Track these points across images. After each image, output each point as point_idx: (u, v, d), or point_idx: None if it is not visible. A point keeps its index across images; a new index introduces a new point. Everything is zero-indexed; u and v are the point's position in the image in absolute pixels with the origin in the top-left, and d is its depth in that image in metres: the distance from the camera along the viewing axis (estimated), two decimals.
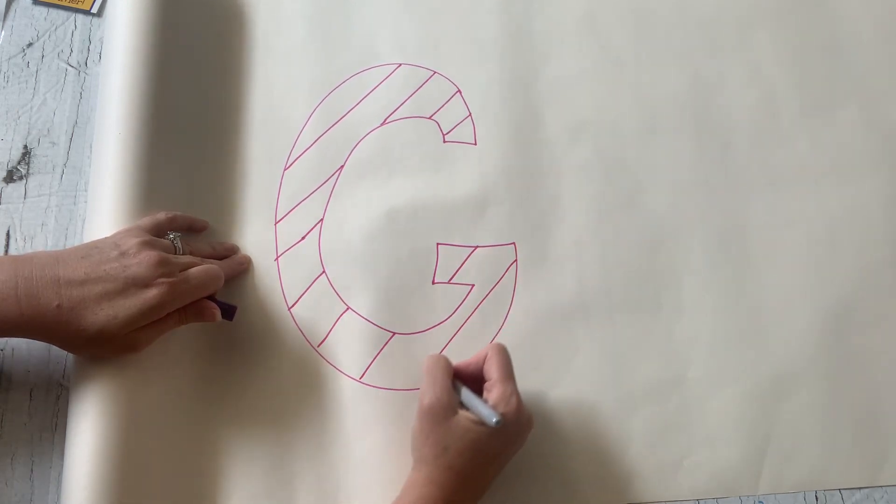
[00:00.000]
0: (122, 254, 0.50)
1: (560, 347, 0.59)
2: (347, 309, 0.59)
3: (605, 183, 0.63)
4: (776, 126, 0.65)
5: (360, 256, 0.61)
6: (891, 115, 0.65)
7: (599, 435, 0.57)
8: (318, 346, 0.58)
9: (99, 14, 0.68)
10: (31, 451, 0.55)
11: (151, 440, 0.52)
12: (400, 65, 0.67)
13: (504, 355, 0.53)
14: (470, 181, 0.63)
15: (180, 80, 0.62)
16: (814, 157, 0.64)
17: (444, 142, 0.64)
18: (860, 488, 0.57)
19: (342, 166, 0.63)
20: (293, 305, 0.59)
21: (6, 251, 0.60)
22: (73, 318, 0.48)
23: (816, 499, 0.56)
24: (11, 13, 0.68)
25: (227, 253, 0.60)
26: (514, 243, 0.62)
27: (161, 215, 0.56)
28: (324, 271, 0.60)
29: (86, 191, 0.62)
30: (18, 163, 0.63)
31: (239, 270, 0.60)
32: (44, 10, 0.68)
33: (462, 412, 0.51)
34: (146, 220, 0.55)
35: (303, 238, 0.61)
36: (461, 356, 0.58)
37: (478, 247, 0.61)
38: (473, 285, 0.60)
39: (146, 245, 0.51)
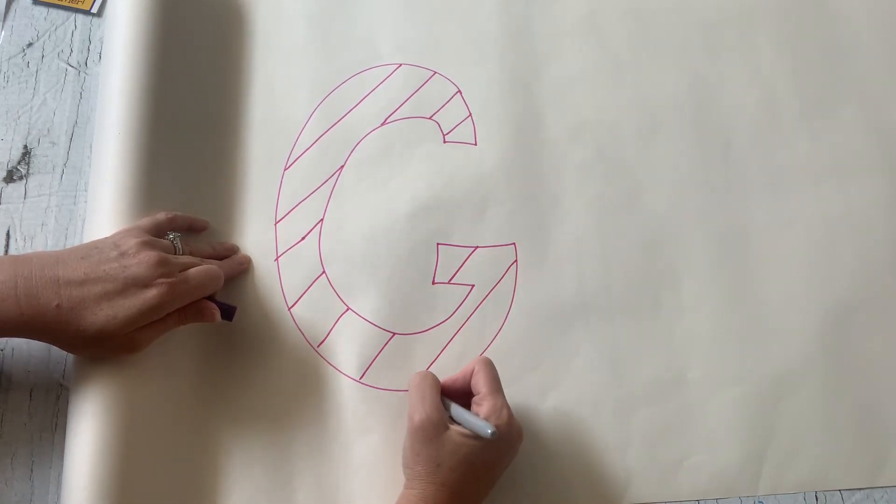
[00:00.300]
0: (122, 254, 0.50)
1: (560, 348, 0.59)
2: (347, 309, 0.59)
3: (605, 183, 0.63)
4: (776, 126, 0.65)
5: (360, 257, 0.61)
6: (891, 115, 0.65)
7: (599, 435, 0.57)
8: (318, 346, 0.58)
9: (99, 14, 0.68)
10: (31, 451, 0.55)
11: (151, 440, 0.52)
12: (400, 65, 0.66)
13: (491, 368, 0.54)
14: (470, 181, 0.63)
15: (180, 80, 0.62)
16: (814, 157, 0.64)
17: (445, 142, 0.64)
18: (860, 489, 0.57)
19: (342, 166, 0.63)
20: (293, 305, 0.59)
21: (6, 251, 0.60)
22: (72, 318, 0.48)
23: (816, 499, 0.57)
24: (11, 13, 0.68)
25: (227, 253, 0.60)
26: (514, 244, 0.62)
27: (161, 215, 0.56)
28: (324, 272, 0.60)
29: (86, 191, 0.62)
30: (18, 163, 0.63)
31: (239, 270, 0.60)
32: (44, 10, 0.68)
33: (453, 427, 0.51)
34: (146, 221, 0.55)
35: (303, 238, 0.61)
36: (461, 357, 0.58)
37: (478, 247, 0.61)
38: (474, 285, 0.60)
39: (146, 245, 0.51)
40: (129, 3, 0.61)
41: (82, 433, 0.50)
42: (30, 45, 0.67)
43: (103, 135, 0.59)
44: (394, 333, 0.59)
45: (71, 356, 0.56)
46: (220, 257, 0.58)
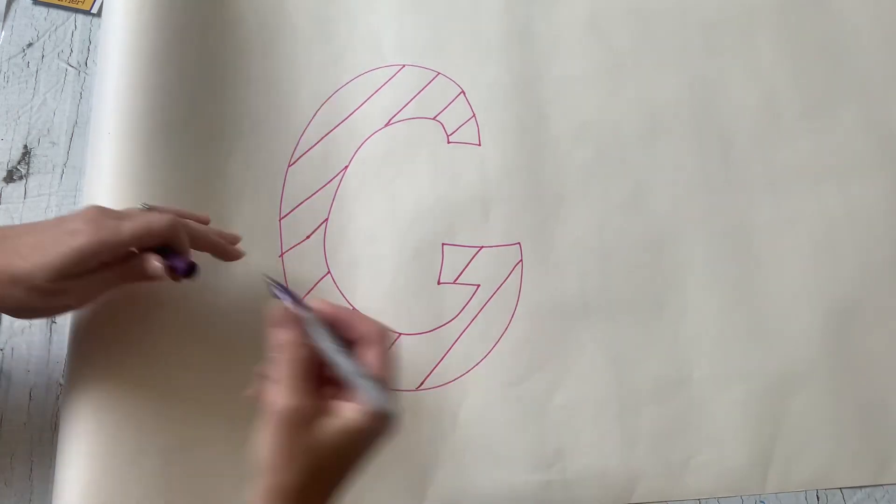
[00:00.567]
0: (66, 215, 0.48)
1: (565, 347, 0.59)
2: (352, 309, 0.59)
3: (608, 183, 0.64)
4: (777, 126, 0.65)
5: (365, 257, 0.60)
6: (891, 115, 0.65)
7: (605, 435, 0.57)
8: None
9: (99, 14, 0.68)
10: (31, 451, 0.55)
11: (147, 441, 0.52)
12: (404, 66, 0.67)
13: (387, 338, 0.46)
14: (474, 182, 0.63)
15: (180, 78, 0.61)
16: (815, 157, 0.64)
17: (449, 143, 0.64)
18: (861, 487, 0.57)
19: (346, 166, 0.63)
20: None
21: None
22: (5, 267, 0.45)
23: (818, 498, 0.57)
24: (11, 13, 0.68)
25: (229, 240, 0.55)
26: (518, 243, 0.61)
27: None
28: (329, 272, 0.60)
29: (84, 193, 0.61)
30: (18, 163, 0.63)
31: (215, 244, 0.53)
32: (44, 10, 0.68)
33: (325, 420, 0.42)
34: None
35: (307, 237, 0.61)
36: (467, 357, 0.58)
37: (483, 247, 0.61)
38: (479, 285, 0.60)
39: (93, 206, 0.48)
40: (129, 2, 0.61)
41: (75, 434, 0.50)
42: (30, 45, 0.67)
43: (100, 132, 0.58)
44: (399, 334, 0.58)
45: (70, 357, 0.55)
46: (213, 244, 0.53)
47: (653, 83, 0.66)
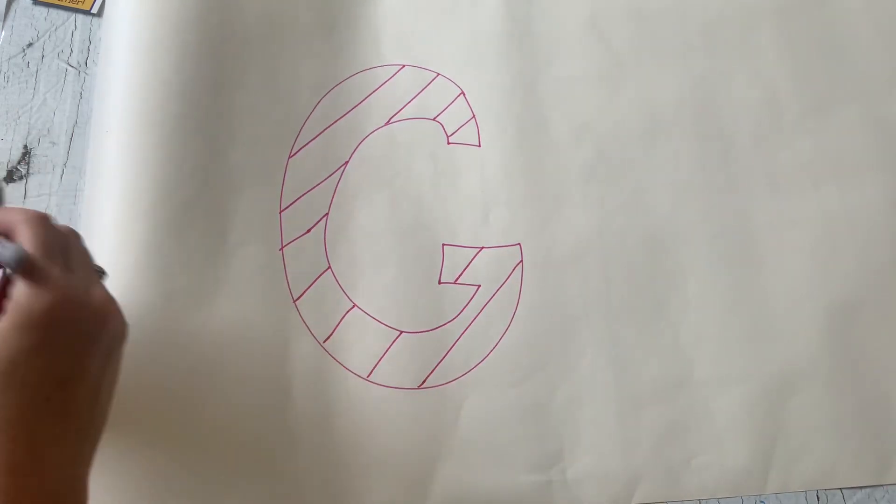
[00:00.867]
0: None
1: (566, 347, 0.59)
2: (354, 306, 0.59)
3: (608, 184, 0.63)
4: (778, 126, 0.65)
5: (365, 255, 0.60)
6: (892, 115, 0.65)
7: (605, 435, 0.57)
8: (324, 341, 0.58)
9: (99, 14, 0.68)
10: None
11: (147, 438, 0.52)
12: (403, 66, 0.67)
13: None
14: (474, 182, 0.63)
15: (179, 66, 0.61)
16: (816, 157, 0.64)
17: (449, 143, 0.64)
18: (861, 487, 0.57)
19: (347, 162, 0.63)
20: (298, 298, 0.59)
21: None
22: None
23: (818, 498, 0.56)
24: (11, 13, 0.68)
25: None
26: (519, 244, 0.61)
27: None
28: (329, 267, 0.60)
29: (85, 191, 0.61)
30: (18, 163, 0.63)
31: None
32: (44, 10, 0.68)
33: None
34: None
35: (308, 231, 0.61)
36: (469, 357, 0.58)
37: (483, 248, 0.61)
38: (479, 286, 0.60)
39: None
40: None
41: None
42: (30, 45, 0.67)
43: (101, 132, 0.58)
44: (401, 332, 0.58)
45: None
46: None
47: (653, 83, 0.66)
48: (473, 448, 0.56)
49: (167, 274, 0.56)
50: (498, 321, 0.59)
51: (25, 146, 0.63)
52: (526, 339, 0.59)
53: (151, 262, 0.56)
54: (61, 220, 0.60)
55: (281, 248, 0.60)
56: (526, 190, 0.63)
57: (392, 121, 0.64)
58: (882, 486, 0.57)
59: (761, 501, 0.56)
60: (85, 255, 0.43)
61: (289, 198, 0.62)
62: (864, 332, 0.60)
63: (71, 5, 0.68)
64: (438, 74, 0.66)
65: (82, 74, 0.66)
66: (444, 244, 0.61)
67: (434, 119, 0.65)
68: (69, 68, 0.66)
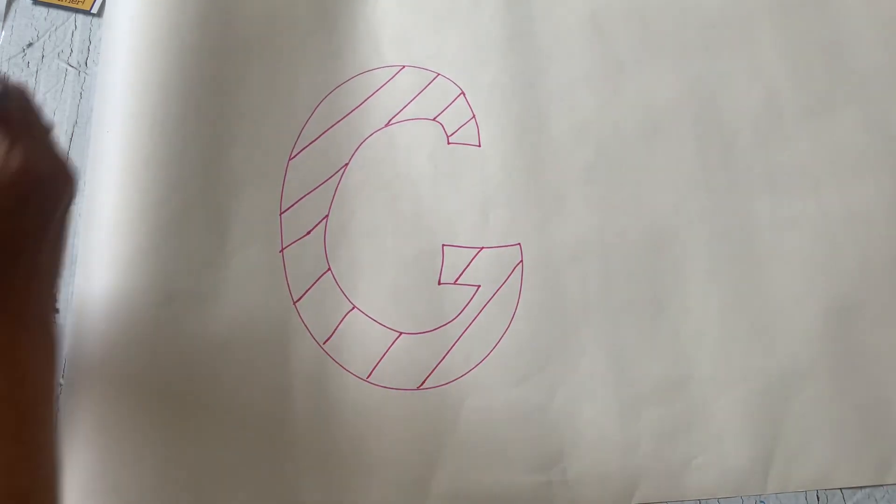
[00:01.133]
0: None
1: (566, 348, 0.59)
2: (353, 308, 0.59)
3: (608, 183, 0.63)
4: (778, 126, 0.65)
5: (365, 256, 0.60)
6: (892, 115, 0.65)
7: (606, 435, 0.57)
8: (324, 343, 0.58)
9: (99, 14, 0.68)
10: None
11: (146, 439, 0.52)
12: (403, 66, 0.67)
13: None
14: (474, 182, 0.63)
15: (180, 68, 0.61)
16: (815, 157, 0.64)
17: (449, 143, 0.64)
18: (861, 487, 0.57)
19: (347, 164, 0.63)
20: (298, 300, 0.59)
21: None
22: None
23: (818, 498, 0.57)
24: (11, 13, 0.68)
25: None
26: (519, 244, 0.61)
27: None
28: (329, 268, 0.60)
29: (84, 191, 0.61)
30: None
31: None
32: (44, 10, 0.68)
33: None
34: None
35: (308, 233, 0.61)
36: (468, 357, 0.58)
37: (483, 248, 0.61)
38: (479, 286, 0.60)
39: None
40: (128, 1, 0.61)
41: (75, 435, 0.49)
42: (30, 45, 0.67)
43: (101, 132, 0.58)
44: (400, 333, 0.58)
45: (69, 357, 0.55)
46: None
47: (653, 83, 0.66)
48: (473, 448, 0.56)
49: (167, 275, 0.56)
50: (498, 321, 0.59)
51: None
52: (526, 340, 0.59)
53: (151, 264, 0.56)
54: None
55: (281, 250, 0.60)
56: (526, 190, 0.63)
57: (392, 122, 0.64)
58: (882, 486, 0.57)
59: (761, 501, 0.56)
60: (37, 114, 0.43)
61: (289, 199, 0.62)
62: (864, 332, 0.60)
63: (71, 5, 0.68)
64: (438, 74, 0.66)
65: (82, 74, 0.66)
66: (443, 244, 0.61)
67: (434, 119, 0.65)
68: (69, 68, 0.66)
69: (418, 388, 0.57)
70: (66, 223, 0.43)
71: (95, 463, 0.49)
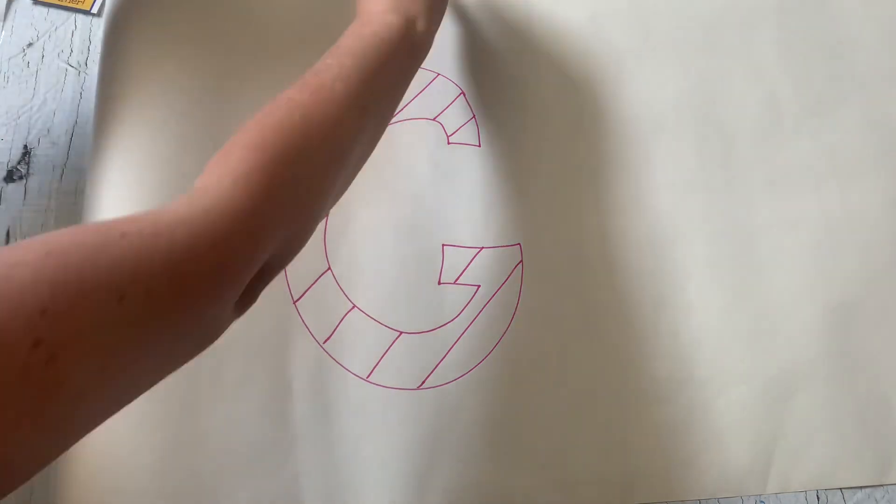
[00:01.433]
0: None
1: (566, 348, 0.59)
2: (353, 307, 0.59)
3: (608, 183, 0.64)
4: (778, 126, 0.65)
5: (365, 256, 0.60)
6: (892, 115, 0.65)
7: (605, 435, 0.57)
8: (324, 342, 0.58)
9: (99, 14, 0.68)
10: None
11: (149, 438, 0.52)
12: None
13: None
14: (474, 182, 0.63)
15: (181, 71, 0.61)
16: (815, 157, 0.64)
17: (449, 143, 0.64)
18: (861, 487, 0.57)
19: None
20: (298, 300, 0.59)
21: None
22: None
23: (818, 498, 0.57)
24: (11, 13, 0.67)
25: None
26: (519, 244, 0.61)
27: None
28: (329, 268, 0.60)
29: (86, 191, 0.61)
30: (18, 163, 0.63)
31: None
32: (44, 10, 0.68)
33: None
34: None
35: None
36: (469, 357, 0.58)
37: (483, 248, 0.61)
38: (479, 286, 0.60)
39: None
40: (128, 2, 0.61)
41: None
42: (30, 45, 0.66)
43: (102, 133, 0.58)
44: (400, 332, 0.58)
45: None
46: None
47: (654, 83, 0.66)
48: (473, 448, 0.56)
49: None
50: (498, 321, 0.59)
51: (25, 146, 0.63)
52: (526, 340, 0.59)
53: None
54: (61, 220, 0.60)
55: None
56: (525, 190, 0.63)
57: (392, 122, 0.64)
58: (882, 486, 0.57)
59: (761, 501, 0.56)
60: None
61: None
62: (864, 332, 0.60)
63: (71, 5, 0.68)
64: (438, 74, 0.66)
65: (82, 74, 0.66)
66: (443, 244, 0.61)
67: (434, 119, 0.65)
68: (69, 68, 0.66)
69: (418, 388, 0.57)
70: None
71: (96, 464, 0.49)
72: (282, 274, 0.59)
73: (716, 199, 0.63)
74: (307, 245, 0.60)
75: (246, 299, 0.39)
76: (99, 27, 0.67)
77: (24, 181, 0.62)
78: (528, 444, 0.56)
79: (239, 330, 0.56)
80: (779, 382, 0.58)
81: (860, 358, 0.59)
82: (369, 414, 0.56)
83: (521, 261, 0.61)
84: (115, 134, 0.58)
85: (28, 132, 0.64)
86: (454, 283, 0.60)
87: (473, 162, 0.64)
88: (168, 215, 0.33)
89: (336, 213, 0.61)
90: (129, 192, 0.57)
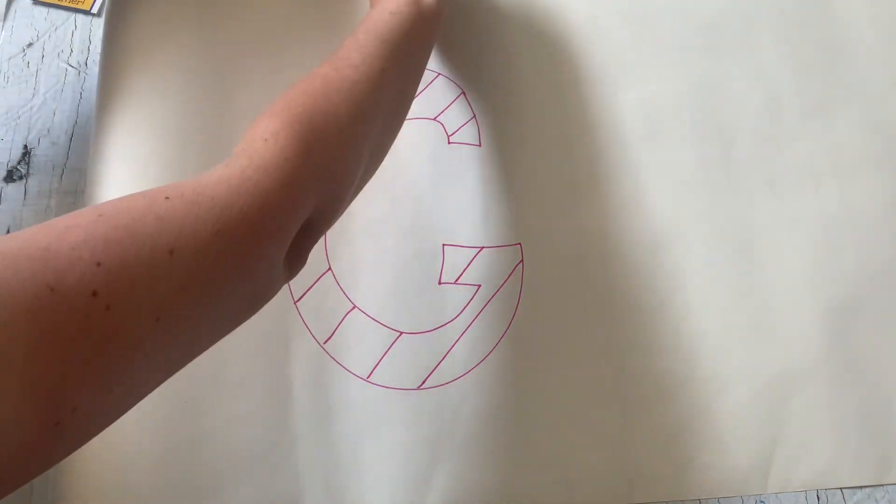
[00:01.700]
0: None
1: (566, 348, 0.59)
2: (354, 307, 0.59)
3: (608, 184, 0.63)
4: (778, 126, 0.65)
5: (366, 255, 0.60)
6: (892, 115, 0.65)
7: (606, 435, 0.57)
8: (325, 343, 0.58)
9: (99, 14, 0.68)
10: None
11: (149, 438, 0.52)
12: None
13: None
14: (475, 182, 0.63)
15: (182, 71, 0.61)
16: (815, 157, 0.64)
17: (449, 143, 0.64)
18: (861, 487, 0.57)
19: None
20: (299, 300, 0.59)
21: None
22: None
23: (818, 498, 0.57)
24: (11, 13, 0.67)
25: None
26: (519, 244, 0.61)
27: None
28: (329, 268, 0.60)
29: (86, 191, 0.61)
30: (18, 163, 0.63)
31: None
32: (44, 10, 0.68)
33: None
34: None
35: None
36: (469, 357, 0.58)
37: (483, 247, 0.61)
38: (480, 286, 0.60)
39: None
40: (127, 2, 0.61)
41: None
42: (30, 45, 0.66)
43: (101, 134, 0.58)
44: (401, 332, 0.58)
45: None
46: None
47: (654, 84, 0.66)
48: (473, 448, 0.56)
49: None
50: (498, 321, 0.59)
51: (25, 146, 0.63)
52: (526, 339, 0.59)
53: None
54: None
55: None
56: (526, 189, 0.63)
57: None
58: (882, 485, 0.57)
59: (761, 501, 0.56)
60: None
61: None
62: (864, 332, 0.60)
63: (71, 5, 0.68)
64: (439, 74, 0.66)
65: (82, 74, 0.66)
66: (444, 244, 0.61)
67: (435, 119, 0.65)
68: (69, 68, 0.66)
69: (419, 388, 0.57)
70: None
71: (97, 463, 0.49)
72: None
73: (716, 200, 0.63)
74: None
75: (295, 260, 0.42)
76: (99, 27, 0.67)
77: (24, 181, 0.62)
78: (529, 444, 0.56)
79: (239, 330, 0.57)
80: (779, 382, 0.58)
81: (860, 358, 0.59)
82: (369, 414, 0.56)
83: (522, 261, 0.61)
84: (115, 134, 0.58)
85: (28, 132, 0.64)
86: (455, 282, 0.60)
87: (474, 162, 0.64)
88: (208, 178, 0.36)
89: None
90: (128, 192, 0.56)
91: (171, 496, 0.52)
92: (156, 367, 0.33)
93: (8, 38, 0.67)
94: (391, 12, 0.50)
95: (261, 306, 0.39)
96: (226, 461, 0.54)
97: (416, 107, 0.65)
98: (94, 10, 0.68)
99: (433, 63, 0.67)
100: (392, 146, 0.63)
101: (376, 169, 0.51)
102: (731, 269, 0.61)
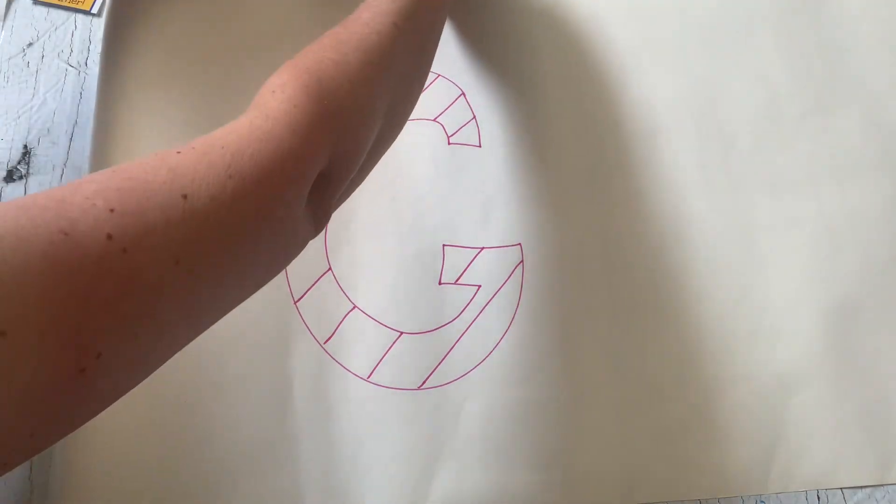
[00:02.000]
0: None
1: (566, 348, 0.59)
2: (354, 308, 0.59)
3: (608, 184, 0.64)
4: (778, 127, 0.65)
5: (366, 256, 0.60)
6: (892, 115, 0.65)
7: (606, 435, 0.57)
8: (325, 343, 0.58)
9: (99, 14, 0.68)
10: None
11: (149, 437, 0.52)
12: None
13: None
14: (475, 183, 0.63)
15: (182, 70, 0.62)
16: (815, 157, 0.64)
17: (449, 144, 0.64)
18: (862, 487, 0.57)
19: None
20: (299, 300, 0.59)
21: None
22: None
23: (818, 498, 0.56)
24: (11, 13, 0.67)
25: None
26: (519, 244, 0.61)
27: None
28: (330, 268, 0.60)
29: None
30: (18, 163, 0.63)
31: None
32: (44, 10, 0.68)
33: None
34: None
35: None
36: (469, 357, 0.58)
37: (484, 248, 0.61)
38: (480, 286, 0.60)
39: None
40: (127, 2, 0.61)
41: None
42: (30, 45, 0.66)
43: (101, 130, 0.58)
44: (401, 332, 0.58)
45: None
46: None
47: (654, 84, 0.66)
48: (473, 448, 0.56)
49: None
50: (498, 321, 0.59)
51: (25, 146, 0.63)
52: (526, 339, 0.59)
53: None
54: None
55: None
56: (526, 190, 0.63)
57: None
58: (882, 485, 0.57)
59: (761, 501, 0.56)
60: None
61: None
62: (864, 331, 0.60)
63: (71, 5, 0.68)
64: (439, 75, 0.66)
65: (82, 74, 0.66)
66: (444, 244, 0.61)
67: (434, 120, 0.65)
68: (69, 68, 0.66)
69: (419, 388, 0.57)
70: None
71: (96, 462, 0.49)
72: (282, 275, 0.59)
73: (716, 200, 0.63)
74: (309, 246, 0.60)
75: (318, 211, 0.42)
76: (99, 27, 0.67)
77: (24, 181, 0.62)
78: (529, 445, 0.56)
79: (239, 330, 0.57)
80: (778, 382, 0.58)
81: (860, 357, 0.59)
82: (370, 414, 0.56)
83: (522, 261, 0.61)
84: (115, 134, 0.58)
85: (28, 132, 0.64)
86: (455, 283, 0.60)
87: (474, 162, 0.64)
88: (219, 131, 0.37)
89: (337, 212, 0.61)
90: None
91: (171, 496, 0.52)
92: (182, 316, 0.33)
93: (8, 38, 0.67)
94: None
95: (290, 257, 0.40)
96: (226, 461, 0.54)
97: (417, 107, 0.65)
98: (94, 10, 0.68)
99: (433, 64, 0.67)
100: (392, 146, 0.64)
101: (394, 138, 0.51)
102: (731, 268, 0.61)
